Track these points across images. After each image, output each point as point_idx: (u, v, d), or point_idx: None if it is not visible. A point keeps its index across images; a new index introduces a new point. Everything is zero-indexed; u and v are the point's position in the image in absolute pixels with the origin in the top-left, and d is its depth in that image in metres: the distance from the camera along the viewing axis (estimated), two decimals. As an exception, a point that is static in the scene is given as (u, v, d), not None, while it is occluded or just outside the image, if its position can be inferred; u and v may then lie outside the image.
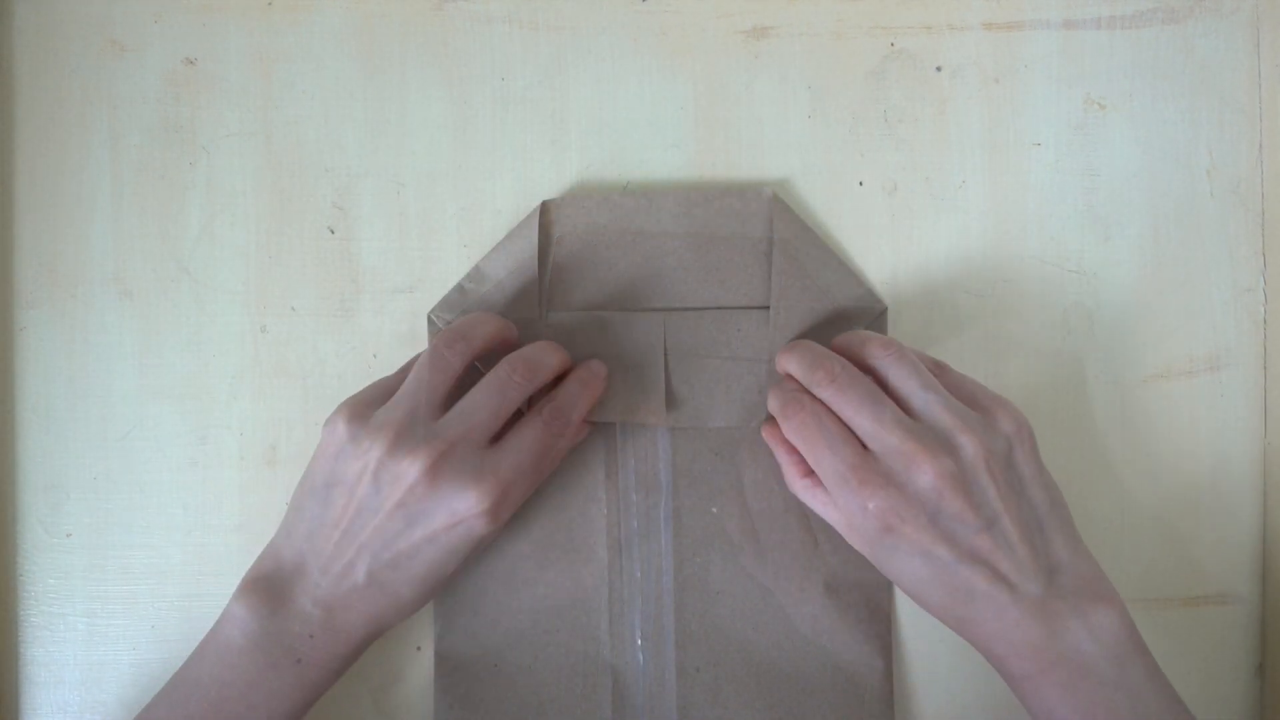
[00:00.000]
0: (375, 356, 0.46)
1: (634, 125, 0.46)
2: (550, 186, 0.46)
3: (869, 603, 0.45)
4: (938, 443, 0.38)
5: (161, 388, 0.46)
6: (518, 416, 0.41)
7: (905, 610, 0.46)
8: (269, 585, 0.40)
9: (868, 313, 0.45)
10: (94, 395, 0.46)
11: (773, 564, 0.45)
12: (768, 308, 0.44)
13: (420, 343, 0.45)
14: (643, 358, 0.44)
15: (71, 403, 0.46)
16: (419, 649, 0.46)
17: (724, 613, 0.45)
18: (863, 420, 0.39)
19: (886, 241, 0.46)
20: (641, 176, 0.46)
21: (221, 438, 0.46)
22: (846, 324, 0.45)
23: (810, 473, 0.41)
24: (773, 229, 0.44)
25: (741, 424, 0.44)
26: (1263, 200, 0.46)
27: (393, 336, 0.46)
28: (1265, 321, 0.46)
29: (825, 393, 0.40)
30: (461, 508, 0.38)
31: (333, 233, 0.46)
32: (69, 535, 0.46)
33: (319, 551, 0.39)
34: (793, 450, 0.42)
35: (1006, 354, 0.46)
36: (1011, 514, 0.38)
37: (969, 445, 0.38)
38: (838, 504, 0.39)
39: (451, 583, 0.45)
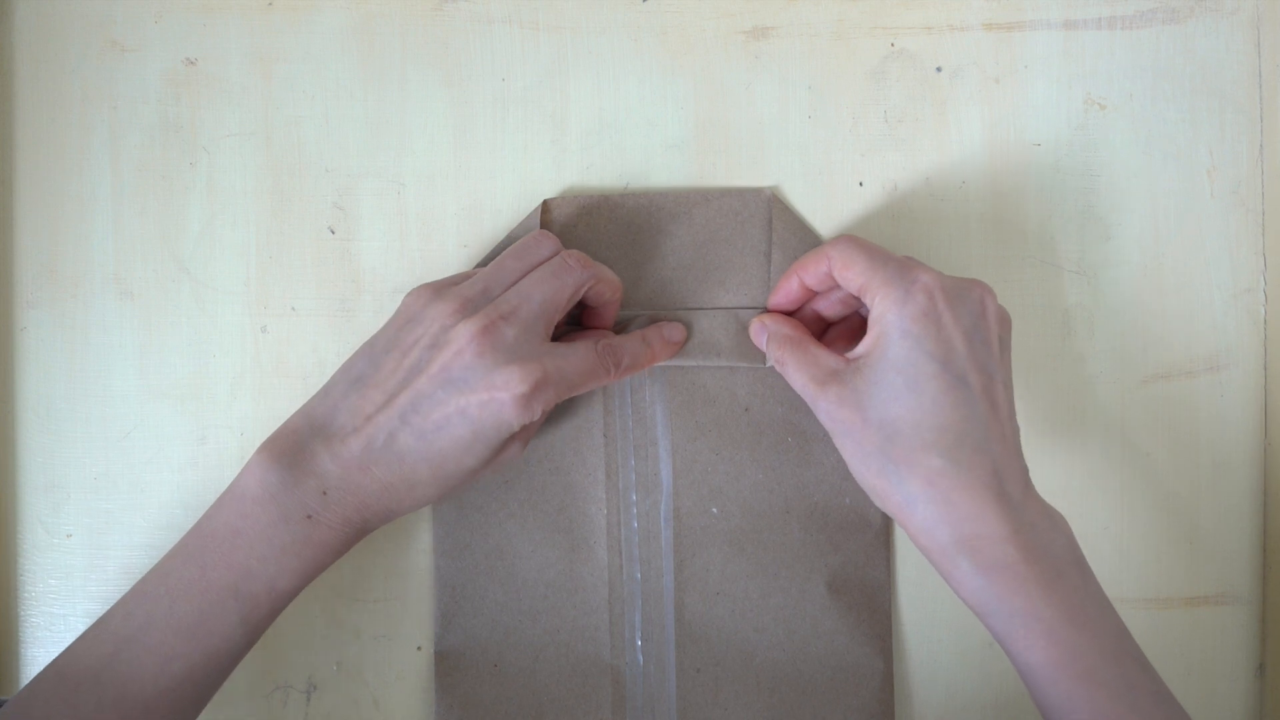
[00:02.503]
0: (375, 356, 0.46)
1: (634, 125, 0.46)
2: (550, 186, 0.46)
3: (869, 603, 0.45)
4: (953, 282, 0.39)
5: (161, 388, 0.46)
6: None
7: (905, 610, 0.46)
8: (293, 440, 0.39)
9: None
10: (94, 395, 0.46)
11: (773, 564, 0.45)
12: (768, 308, 0.44)
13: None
14: None
15: (71, 403, 0.46)
16: (419, 649, 0.46)
17: (724, 613, 0.45)
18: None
19: (886, 241, 0.46)
20: (641, 176, 0.46)
21: (221, 438, 0.46)
22: (846, 324, 0.45)
23: (791, 331, 0.42)
24: (772, 229, 0.44)
25: (738, 410, 0.44)
26: (1263, 200, 0.46)
27: (393, 336, 0.46)
28: (1265, 321, 0.46)
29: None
30: (499, 381, 0.38)
31: (333, 233, 0.46)
32: (69, 535, 0.46)
33: (352, 409, 0.39)
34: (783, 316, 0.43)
35: (1006, 354, 0.46)
36: (1009, 389, 0.39)
37: (977, 289, 0.39)
38: (881, 283, 0.38)
39: (451, 581, 0.45)
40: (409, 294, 0.41)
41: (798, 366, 0.40)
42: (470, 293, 0.39)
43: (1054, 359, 0.46)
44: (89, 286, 0.46)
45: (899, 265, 0.39)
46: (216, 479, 0.46)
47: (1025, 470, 0.38)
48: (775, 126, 0.46)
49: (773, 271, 0.44)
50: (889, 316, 0.38)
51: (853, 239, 0.40)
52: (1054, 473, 0.46)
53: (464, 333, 0.38)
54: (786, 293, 0.42)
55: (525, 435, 0.41)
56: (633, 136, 0.46)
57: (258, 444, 0.45)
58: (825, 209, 0.46)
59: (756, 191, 0.45)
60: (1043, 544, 0.36)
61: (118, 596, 0.45)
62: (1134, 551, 0.46)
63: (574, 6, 0.46)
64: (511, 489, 0.45)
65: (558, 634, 0.45)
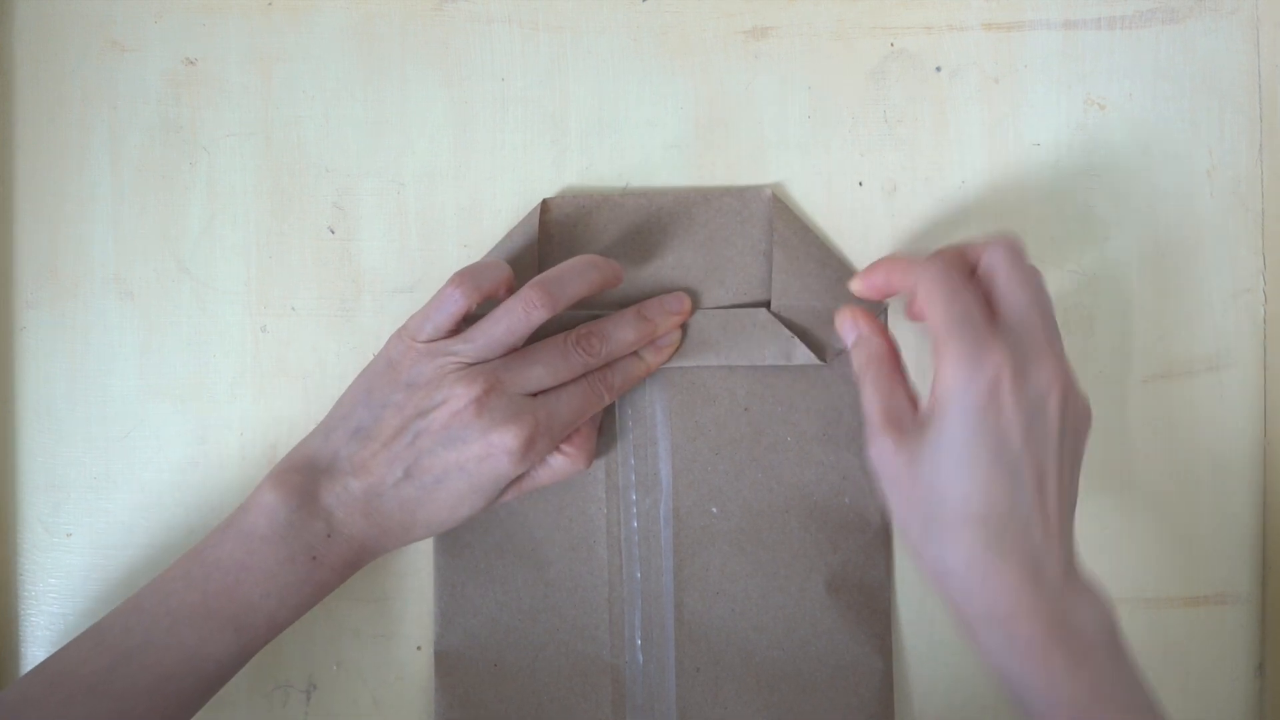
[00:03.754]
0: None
1: (634, 125, 0.46)
2: (550, 186, 0.46)
3: (869, 603, 0.45)
4: (1062, 359, 0.38)
5: (161, 388, 0.46)
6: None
7: (905, 610, 0.46)
8: (301, 480, 0.40)
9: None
10: (94, 395, 0.46)
11: (773, 563, 0.45)
12: (768, 306, 0.44)
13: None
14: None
15: (71, 403, 0.46)
16: (419, 649, 0.46)
17: (724, 613, 0.45)
18: (1023, 292, 0.38)
19: (886, 241, 0.46)
20: (641, 176, 0.46)
21: (221, 438, 0.46)
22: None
23: (885, 352, 0.41)
24: (772, 229, 0.44)
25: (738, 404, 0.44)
26: (1263, 200, 0.46)
27: (393, 336, 0.46)
28: (1265, 321, 0.46)
29: (995, 254, 0.39)
30: (495, 439, 0.40)
31: (333, 233, 0.46)
32: (69, 535, 0.46)
33: (355, 457, 0.40)
34: (876, 324, 0.42)
35: (1006, 354, 0.46)
36: (1072, 473, 0.38)
37: (1074, 386, 0.38)
38: (950, 354, 0.37)
39: (451, 581, 0.45)
40: (397, 339, 0.41)
41: (874, 392, 0.40)
42: (469, 350, 0.40)
43: (1054, 359, 0.46)
44: (89, 286, 0.46)
45: (974, 336, 0.37)
46: (216, 479, 0.46)
47: (1070, 553, 0.38)
48: (775, 126, 0.46)
49: (774, 271, 0.44)
50: (954, 392, 0.37)
51: (944, 271, 0.38)
52: (1054, 472, 0.46)
53: (464, 395, 0.40)
54: (872, 284, 0.41)
55: (521, 484, 0.42)
56: (633, 136, 0.46)
57: (258, 444, 0.45)
58: (825, 209, 0.46)
59: (757, 191, 0.45)
60: (1075, 624, 0.37)
61: (118, 597, 0.45)
62: (1134, 551, 0.46)
63: (574, 6, 0.46)
64: (511, 489, 0.45)
65: (558, 633, 0.45)
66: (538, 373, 0.41)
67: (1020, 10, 0.46)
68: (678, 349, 0.44)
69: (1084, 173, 0.46)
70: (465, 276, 0.41)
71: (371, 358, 0.46)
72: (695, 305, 0.44)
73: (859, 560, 0.45)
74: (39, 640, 0.46)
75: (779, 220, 0.44)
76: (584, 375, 0.42)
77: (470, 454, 0.40)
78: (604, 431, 0.45)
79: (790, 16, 0.46)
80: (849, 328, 0.42)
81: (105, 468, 0.46)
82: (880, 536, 0.45)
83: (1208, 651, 0.46)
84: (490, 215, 0.46)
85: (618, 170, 0.46)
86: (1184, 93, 0.46)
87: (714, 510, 0.45)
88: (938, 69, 0.46)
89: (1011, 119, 0.46)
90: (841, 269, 0.45)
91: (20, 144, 0.46)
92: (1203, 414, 0.46)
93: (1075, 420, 0.38)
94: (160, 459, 0.46)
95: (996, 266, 0.39)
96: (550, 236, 0.45)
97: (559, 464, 0.42)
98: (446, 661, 0.45)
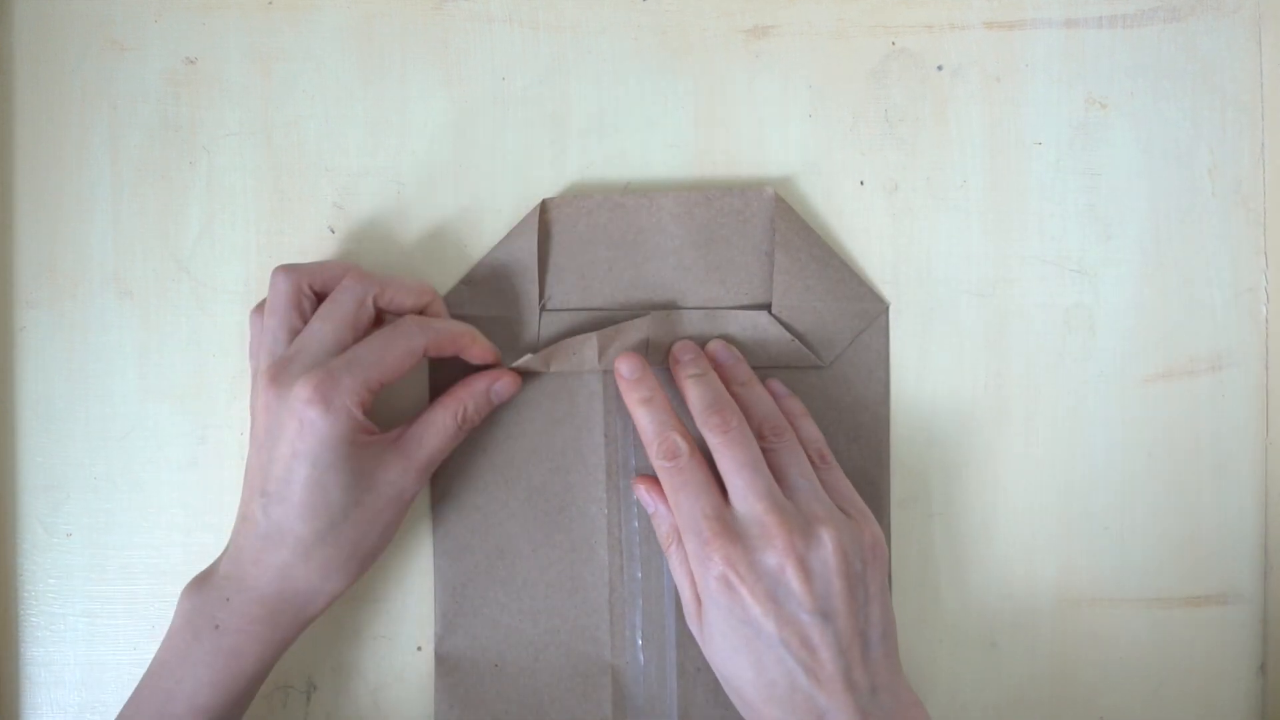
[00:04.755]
0: (375, 356, 0.46)
1: (634, 125, 0.46)
2: (550, 186, 0.46)
3: (869, 603, 0.45)
4: (798, 525, 0.38)
5: (161, 388, 0.46)
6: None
7: (905, 610, 0.46)
8: (206, 568, 0.41)
9: (869, 312, 0.45)
10: (94, 395, 0.46)
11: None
12: (769, 307, 0.44)
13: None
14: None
15: (71, 403, 0.46)
16: (419, 649, 0.46)
17: (724, 613, 0.44)
18: (737, 479, 0.39)
19: (886, 241, 0.46)
20: (641, 176, 0.46)
21: (221, 438, 0.46)
22: (848, 323, 0.45)
23: (677, 530, 0.41)
24: (775, 229, 0.44)
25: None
26: (1264, 200, 0.46)
27: (393, 336, 0.46)
28: (1266, 321, 0.46)
29: (713, 439, 0.40)
30: (297, 404, 0.38)
31: (333, 232, 0.46)
32: (69, 535, 0.46)
33: (237, 517, 0.41)
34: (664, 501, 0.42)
35: (1006, 354, 0.46)
36: (849, 619, 0.38)
37: (827, 539, 0.38)
38: (688, 551, 0.40)
39: (451, 582, 0.45)
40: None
41: (678, 570, 0.41)
42: (273, 360, 0.40)
43: (1054, 359, 0.46)
44: (89, 286, 0.46)
45: (696, 545, 0.39)
46: (216, 479, 0.46)
47: (863, 685, 0.38)
48: (775, 126, 0.46)
49: (775, 272, 0.44)
50: (701, 587, 0.39)
51: (680, 478, 0.40)
52: (1054, 473, 0.46)
53: (261, 387, 0.39)
54: (643, 498, 0.43)
55: (399, 462, 0.40)
56: (633, 136, 0.46)
57: (257, 444, 0.45)
58: (826, 208, 0.46)
59: (758, 191, 0.45)
60: None
61: (117, 596, 0.45)
62: (1134, 551, 0.46)
63: (574, 6, 0.46)
64: (511, 489, 0.45)
65: (558, 634, 0.45)
66: (319, 332, 0.39)
67: (1021, 9, 0.46)
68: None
69: (1084, 172, 0.46)
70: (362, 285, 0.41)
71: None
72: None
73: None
74: (39, 640, 0.46)
75: (781, 220, 0.44)
76: (406, 319, 0.41)
77: (290, 433, 0.38)
78: (604, 432, 0.45)
79: (791, 15, 0.46)
80: (646, 501, 0.43)
81: (105, 468, 0.46)
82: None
83: (1209, 651, 0.46)
84: (490, 215, 0.46)
85: (618, 170, 0.46)
86: (1185, 92, 0.46)
87: (714, 510, 0.45)
88: (939, 68, 0.46)
89: (1012, 118, 0.46)
90: (843, 270, 0.45)
91: (20, 144, 0.46)
92: (1203, 414, 0.46)
93: (842, 568, 0.38)
94: (160, 459, 0.46)
95: (714, 450, 0.40)
96: (550, 236, 0.45)
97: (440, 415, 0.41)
98: (447, 662, 0.45)
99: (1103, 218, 0.46)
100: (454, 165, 0.46)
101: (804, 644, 0.38)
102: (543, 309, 0.45)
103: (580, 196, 0.45)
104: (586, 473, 0.45)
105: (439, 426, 0.41)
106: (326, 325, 0.40)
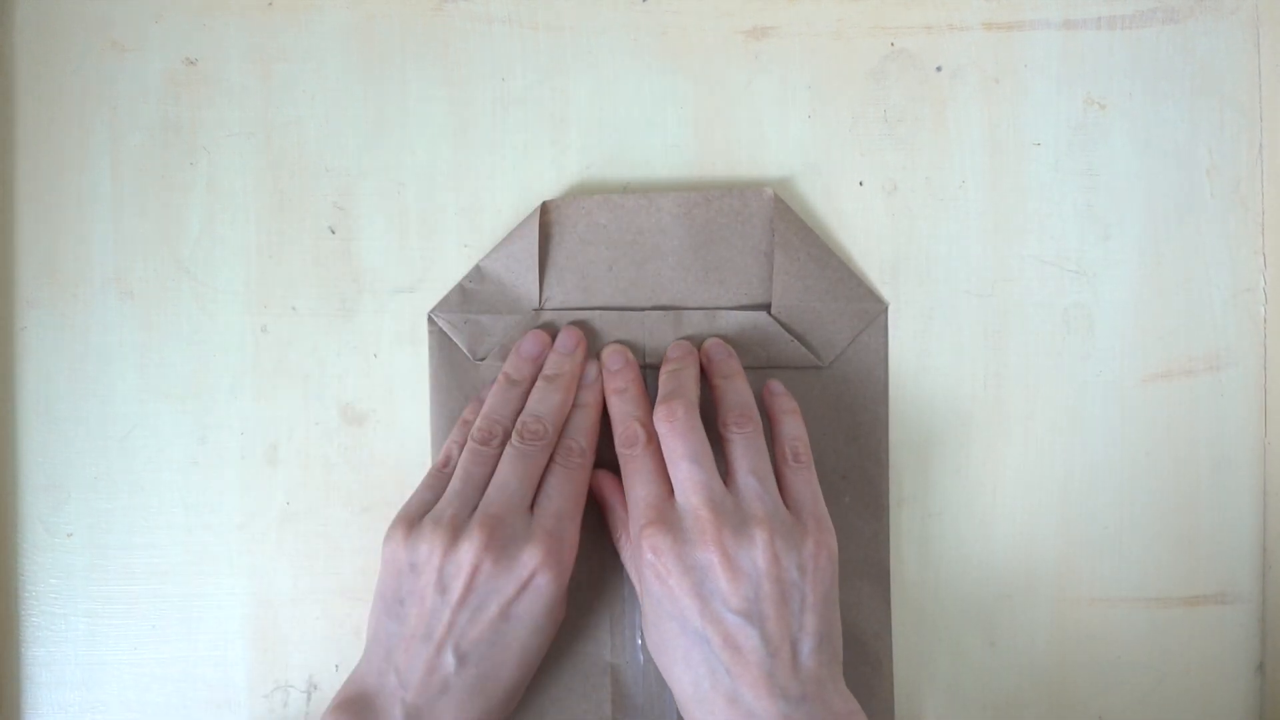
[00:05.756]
0: (375, 356, 0.46)
1: (634, 125, 0.46)
2: (550, 186, 0.46)
3: (868, 601, 0.45)
4: (732, 523, 0.38)
5: (161, 388, 0.46)
6: None
7: (905, 610, 0.46)
8: (357, 704, 0.39)
9: (868, 313, 0.45)
10: (94, 395, 0.46)
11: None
12: (768, 308, 0.44)
13: (421, 343, 0.45)
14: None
15: (71, 403, 0.46)
16: (419, 649, 0.46)
17: (724, 612, 0.44)
18: (677, 470, 0.40)
19: (886, 241, 0.46)
20: (641, 176, 0.46)
21: (221, 438, 0.46)
22: (847, 323, 0.45)
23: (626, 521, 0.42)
24: (774, 230, 0.44)
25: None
26: (1263, 200, 0.46)
27: (393, 336, 0.46)
28: (1265, 321, 0.46)
29: (660, 428, 0.41)
30: (523, 571, 0.39)
31: (333, 232, 0.46)
32: (69, 535, 0.46)
33: (399, 666, 0.39)
34: (620, 489, 0.43)
35: (1005, 354, 0.46)
36: (778, 623, 0.37)
37: (759, 540, 0.38)
38: (631, 537, 0.40)
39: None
40: (386, 540, 0.40)
41: (629, 563, 0.42)
42: (449, 517, 0.40)
43: (1054, 359, 0.46)
44: (89, 286, 0.46)
45: (635, 529, 0.39)
46: (216, 479, 0.46)
47: (791, 692, 0.37)
48: (775, 126, 0.46)
49: (775, 272, 0.44)
50: (637, 576, 0.40)
51: (640, 463, 0.41)
52: (1054, 473, 0.46)
53: (469, 557, 0.39)
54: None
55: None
56: (633, 136, 0.46)
57: (258, 444, 0.45)
58: (825, 209, 0.46)
59: (758, 191, 0.45)
60: None
61: (118, 596, 0.45)
62: (1134, 551, 0.46)
63: (574, 6, 0.46)
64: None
65: (558, 634, 0.45)
66: (513, 487, 0.40)
67: (1020, 10, 0.46)
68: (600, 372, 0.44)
69: (1084, 173, 0.46)
70: (490, 430, 0.42)
71: (371, 358, 0.46)
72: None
73: (857, 559, 0.45)
74: (39, 640, 0.46)
75: (780, 221, 0.44)
76: (551, 459, 0.42)
77: (508, 596, 0.39)
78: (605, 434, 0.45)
79: (790, 16, 0.46)
80: (603, 492, 0.43)
81: (105, 468, 0.46)
82: (879, 535, 0.45)
83: (1208, 651, 0.46)
84: (490, 215, 0.46)
85: (618, 170, 0.46)
86: (1184, 92, 0.46)
87: (714, 510, 0.45)
88: (938, 69, 0.46)
89: (1011, 119, 0.46)
90: (842, 270, 0.45)
91: (20, 144, 0.46)
92: (1203, 414, 0.46)
93: (773, 571, 0.38)
94: (160, 459, 0.46)
95: (661, 440, 0.41)
96: (550, 237, 0.45)
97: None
98: (447, 661, 0.45)
99: (1101, 218, 0.46)
100: (454, 165, 0.46)
101: (727, 643, 0.37)
102: (543, 309, 0.45)
103: (580, 197, 0.45)
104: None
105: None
106: (517, 482, 0.40)
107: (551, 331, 0.44)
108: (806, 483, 0.41)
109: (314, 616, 0.46)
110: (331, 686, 0.46)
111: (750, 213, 0.45)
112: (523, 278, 0.45)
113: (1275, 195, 0.46)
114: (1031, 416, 0.46)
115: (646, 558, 0.39)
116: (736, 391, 0.42)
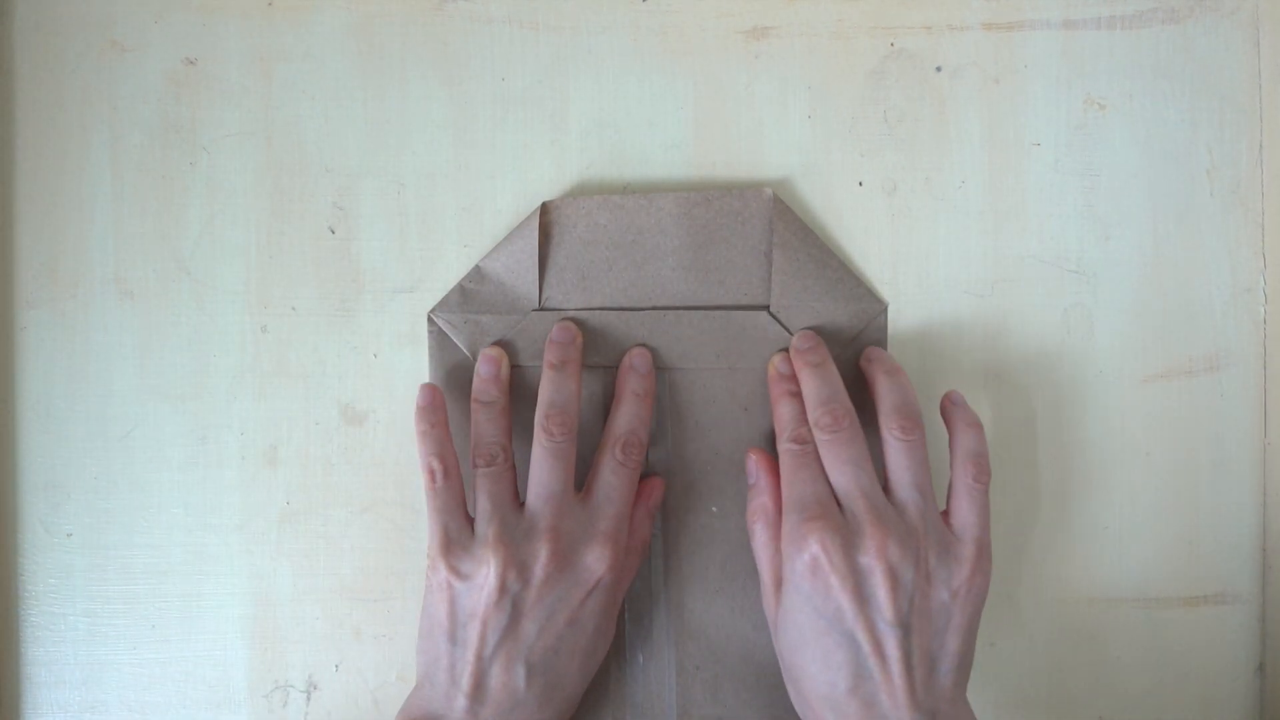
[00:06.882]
0: (375, 356, 0.46)
1: (634, 125, 0.46)
2: (550, 186, 0.46)
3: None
4: (896, 535, 0.39)
5: (161, 388, 0.46)
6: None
7: (905, 610, 0.46)
8: None
9: (868, 313, 0.45)
10: (94, 395, 0.46)
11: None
12: (768, 308, 0.44)
13: (421, 343, 0.45)
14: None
15: (71, 403, 0.46)
16: (419, 649, 0.46)
17: (723, 611, 0.45)
18: (841, 476, 0.40)
19: (886, 241, 0.46)
20: (641, 176, 0.46)
21: (221, 438, 0.46)
22: (847, 323, 0.45)
23: (770, 508, 0.42)
24: (773, 230, 0.44)
25: (737, 422, 0.44)
26: (1263, 200, 0.46)
27: (393, 336, 0.46)
28: (1265, 321, 0.46)
29: (823, 435, 0.41)
30: (589, 577, 0.40)
31: (333, 232, 0.46)
32: (69, 535, 0.46)
33: (465, 689, 0.39)
34: (773, 474, 0.42)
35: (1006, 354, 0.46)
36: (922, 638, 0.38)
37: (919, 559, 0.39)
38: (784, 532, 0.40)
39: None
40: (431, 573, 0.41)
41: (762, 550, 0.42)
42: (492, 532, 0.40)
43: (1054, 359, 0.46)
44: (89, 286, 0.46)
45: (795, 521, 0.39)
46: (216, 479, 0.46)
47: (925, 705, 0.38)
48: (775, 126, 0.46)
49: (774, 272, 0.44)
50: (787, 567, 0.40)
51: (793, 461, 0.41)
52: (1054, 472, 0.46)
53: (537, 565, 0.39)
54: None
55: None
56: (633, 136, 0.46)
57: (258, 444, 0.45)
58: (825, 209, 0.46)
59: (757, 191, 0.45)
60: None
61: (118, 596, 0.45)
62: (1134, 551, 0.46)
63: (574, 6, 0.46)
64: (511, 489, 0.45)
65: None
66: (557, 489, 0.41)
67: (1020, 10, 0.46)
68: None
69: (1084, 172, 0.46)
70: (427, 453, 0.41)
71: (372, 358, 0.46)
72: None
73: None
74: (39, 640, 0.46)
75: (779, 221, 0.44)
76: (607, 456, 0.42)
77: (575, 601, 0.40)
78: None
79: (790, 16, 0.46)
80: (751, 469, 0.43)
81: (105, 468, 0.46)
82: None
83: (1208, 651, 0.46)
84: (490, 215, 0.46)
85: (617, 170, 0.46)
86: (1184, 93, 0.46)
87: (714, 509, 0.45)
88: (938, 69, 0.46)
89: (1011, 119, 0.46)
90: (842, 270, 0.45)
91: (20, 144, 0.46)
92: (1201, 414, 0.46)
93: (926, 589, 0.39)
94: (160, 459, 0.46)
95: (821, 445, 0.41)
96: (550, 238, 0.45)
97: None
98: (446, 661, 0.45)
99: (1101, 218, 0.46)
100: (454, 165, 0.46)
101: (877, 650, 0.38)
102: (543, 309, 0.45)
103: (580, 197, 0.45)
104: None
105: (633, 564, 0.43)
106: (562, 475, 0.41)
107: (501, 352, 0.44)
108: (982, 508, 0.41)
109: (314, 616, 0.46)
110: (331, 686, 0.46)
111: (750, 213, 0.45)
112: (522, 278, 0.45)
113: (1275, 195, 0.46)
114: (1032, 417, 0.46)
115: (812, 550, 0.38)
116: (898, 389, 0.42)
